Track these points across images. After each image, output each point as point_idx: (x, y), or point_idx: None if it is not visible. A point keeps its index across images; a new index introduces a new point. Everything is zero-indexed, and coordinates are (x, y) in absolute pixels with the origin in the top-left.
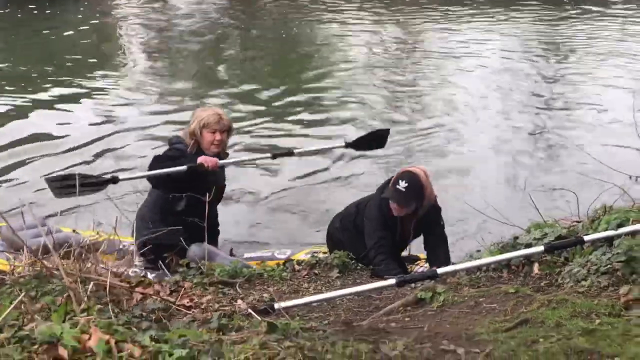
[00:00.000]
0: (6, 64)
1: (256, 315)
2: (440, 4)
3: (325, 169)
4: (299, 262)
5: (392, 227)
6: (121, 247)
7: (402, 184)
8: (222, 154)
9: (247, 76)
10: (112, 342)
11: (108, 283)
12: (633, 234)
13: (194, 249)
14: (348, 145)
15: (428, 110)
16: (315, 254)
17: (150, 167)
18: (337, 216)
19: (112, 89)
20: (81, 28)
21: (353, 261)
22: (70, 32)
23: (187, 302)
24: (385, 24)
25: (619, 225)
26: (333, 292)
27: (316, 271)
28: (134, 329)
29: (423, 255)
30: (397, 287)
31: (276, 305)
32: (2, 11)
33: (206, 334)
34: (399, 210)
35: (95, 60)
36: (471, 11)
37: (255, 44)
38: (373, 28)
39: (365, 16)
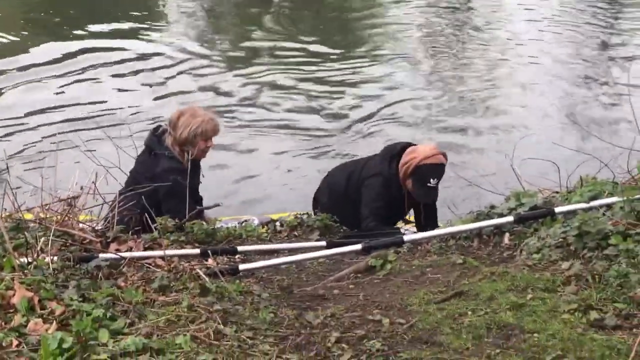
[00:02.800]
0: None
1: (204, 277)
2: None
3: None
4: (282, 223)
5: (398, 206)
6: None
7: (433, 182)
8: None
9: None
10: (36, 299)
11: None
12: (604, 206)
13: None
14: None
15: (467, 82)
16: (299, 215)
17: (175, 209)
18: (325, 186)
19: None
20: None
21: (337, 224)
22: None
23: (158, 261)
24: None
25: (592, 198)
26: (298, 255)
27: (297, 233)
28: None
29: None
30: (364, 253)
31: (240, 267)
32: None
33: (142, 295)
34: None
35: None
36: None
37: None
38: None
39: None
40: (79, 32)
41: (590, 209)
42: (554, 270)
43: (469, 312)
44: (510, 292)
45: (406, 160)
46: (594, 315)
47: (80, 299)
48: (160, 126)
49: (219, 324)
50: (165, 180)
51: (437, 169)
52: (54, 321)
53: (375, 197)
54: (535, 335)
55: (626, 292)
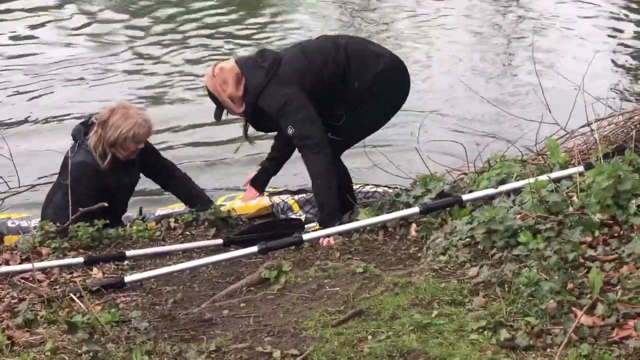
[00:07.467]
0: None
1: (79, 301)
2: None
3: None
4: (176, 220)
5: None
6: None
7: None
8: None
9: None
10: None
11: None
12: (513, 192)
13: None
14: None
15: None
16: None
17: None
18: None
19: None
20: None
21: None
22: None
23: (37, 275)
24: None
25: (500, 182)
26: (190, 262)
27: (193, 231)
28: None
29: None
30: (260, 255)
31: (127, 279)
32: None
33: (1, 335)
34: None
35: None
36: None
37: None
38: None
39: None
40: None
41: (499, 194)
42: (462, 276)
43: (369, 337)
44: (414, 307)
45: None
46: (504, 334)
47: None
48: (92, 115)
49: None
50: (72, 171)
51: None
52: None
53: None
54: None
55: (538, 304)
